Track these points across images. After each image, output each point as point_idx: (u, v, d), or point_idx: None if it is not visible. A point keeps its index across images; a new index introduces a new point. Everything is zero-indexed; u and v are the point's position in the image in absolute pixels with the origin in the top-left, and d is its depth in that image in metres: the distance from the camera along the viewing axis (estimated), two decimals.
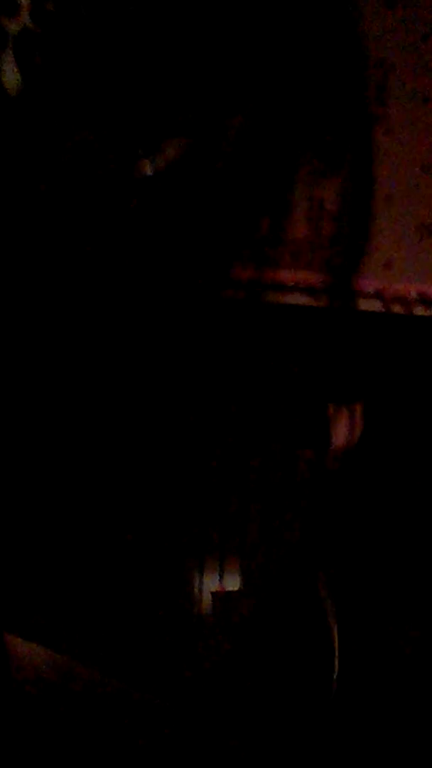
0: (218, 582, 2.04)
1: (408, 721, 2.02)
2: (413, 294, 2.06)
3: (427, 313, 2.05)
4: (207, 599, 2.03)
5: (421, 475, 2.10)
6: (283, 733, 1.92)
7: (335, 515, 2.10)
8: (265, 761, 1.76)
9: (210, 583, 2.04)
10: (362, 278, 2.12)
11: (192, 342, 2.08)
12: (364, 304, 2.05)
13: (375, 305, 2.05)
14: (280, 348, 2.09)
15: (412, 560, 2.09)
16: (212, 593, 2.03)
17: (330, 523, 2.09)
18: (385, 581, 2.09)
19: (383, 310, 2.05)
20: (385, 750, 1.97)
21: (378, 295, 2.04)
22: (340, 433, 2.05)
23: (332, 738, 1.94)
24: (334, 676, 1.79)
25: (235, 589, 2.02)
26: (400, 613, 2.05)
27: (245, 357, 2.10)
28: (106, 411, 1.87)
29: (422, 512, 2.09)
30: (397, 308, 2.04)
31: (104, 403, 1.85)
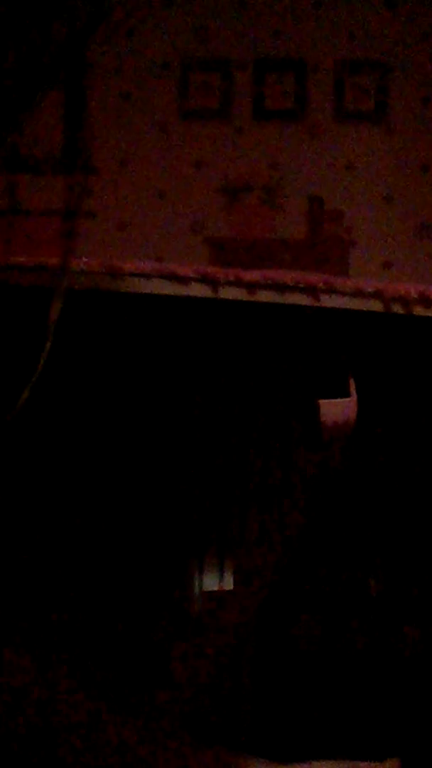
0: (218, 582, 2.04)
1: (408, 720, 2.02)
2: (413, 294, 2.06)
3: (427, 313, 2.05)
4: (205, 599, 2.04)
5: (421, 471, 2.10)
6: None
7: (336, 512, 2.10)
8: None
9: (209, 583, 2.04)
10: (362, 278, 2.12)
11: (190, 344, 2.08)
12: (364, 304, 2.05)
13: (375, 305, 2.05)
14: (277, 347, 2.10)
15: (411, 559, 2.09)
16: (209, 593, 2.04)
17: (331, 521, 2.09)
18: (385, 579, 2.09)
19: (383, 310, 2.05)
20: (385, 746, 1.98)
21: (378, 295, 2.04)
22: (335, 430, 2.05)
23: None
24: None
25: (232, 588, 2.03)
26: (401, 612, 2.05)
27: (243, 357, 2.11)
28: (107, 412, 1.87)
29: (422, 510, 2.10)
30: (396, 308, 2.04)
31: (105, 404, 1.86)
